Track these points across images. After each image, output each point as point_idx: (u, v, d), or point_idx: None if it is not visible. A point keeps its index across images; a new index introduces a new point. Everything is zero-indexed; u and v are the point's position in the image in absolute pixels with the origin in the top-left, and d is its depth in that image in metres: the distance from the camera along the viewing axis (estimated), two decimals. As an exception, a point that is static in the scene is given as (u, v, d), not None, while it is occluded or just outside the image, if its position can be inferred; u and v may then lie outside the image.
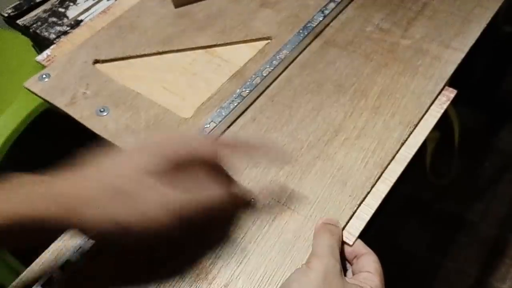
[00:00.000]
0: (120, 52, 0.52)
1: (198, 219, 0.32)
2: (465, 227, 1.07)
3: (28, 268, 0.36)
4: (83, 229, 0.31)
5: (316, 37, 0.51)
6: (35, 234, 0.30)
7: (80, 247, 0.35)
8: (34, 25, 0.59)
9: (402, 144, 0.40)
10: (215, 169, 0.34)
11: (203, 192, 0.32)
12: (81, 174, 0.31)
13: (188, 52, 0.52)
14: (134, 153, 0.32)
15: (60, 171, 0.31)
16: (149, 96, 0.47)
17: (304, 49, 0.49)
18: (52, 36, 0.57)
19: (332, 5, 0.52)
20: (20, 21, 0.60)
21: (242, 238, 0.36)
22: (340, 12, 0.53)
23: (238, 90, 0.45)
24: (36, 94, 0.49)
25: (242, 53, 0.51)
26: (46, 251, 0.37)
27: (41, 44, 0.60)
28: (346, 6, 0.53)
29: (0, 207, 0.28)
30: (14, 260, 0.90)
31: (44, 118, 0.87)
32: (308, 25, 0.50)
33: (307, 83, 0.46)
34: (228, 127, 0.44)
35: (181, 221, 0.31)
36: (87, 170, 0.32)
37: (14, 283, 0.35)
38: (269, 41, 0.51)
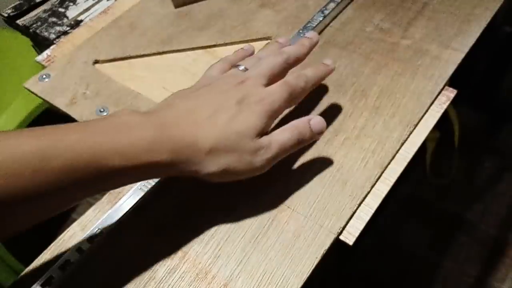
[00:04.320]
0: (120, 52, 0.52)
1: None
2: (465, 227, 1.08)
3: (28, 268, 0.36)
4: (190, 173, 0.33)
5: (316, 37, 0.51)
6: (133, 180, 0.32)
7: (80, 247, 0.35)
8: (34, 25, 0.59)
9: (402, 144, 0.40)
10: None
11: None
12: (192, 120, 0.33)
13: (188, 52, 0.52)
14: (247, 112, 0.34)
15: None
16: (149, 96, 0.47)
17: (304, 49, 0.49)
18: (52, 36, 0.57)
19: (332, 5, 0.52)
20: (20, 21, 0.60)
21: (242, 238, 0.36)
22: (340, 12, 0.53)
23: (238, 90, 0.45)
24: (36, 95, 0.49)
25: (242, 53, 0.51)
26: (46, 250, 0.37)
27: (41, 44, 0.60)
28: (346, 6, 0.53)
29: (126, 151, 0.30)
30: (14, 260, 0.90)
31: (44, 118, 0.88)
32: (308, 25, 0.50)
33: (307, 83, 0.46)
34: (228, 127, 0.44)
35: (272, 163, 0.35)
36: (198, 116, 0.34)
37: (13, 283, 0.35)
38: (269, 41, 0.51)
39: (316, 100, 0.44)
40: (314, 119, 0.36)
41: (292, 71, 0.39)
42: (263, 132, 0.34)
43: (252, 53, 0.43)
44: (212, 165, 0.33)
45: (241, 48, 0.43)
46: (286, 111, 0.42)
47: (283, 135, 0.35)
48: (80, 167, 0.28)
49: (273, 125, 0.37)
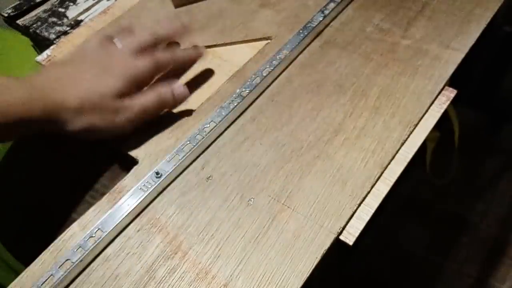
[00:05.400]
0: (120, 52, 0.52)
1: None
2: (465, 227, 1.07)
3: (28, 268, 0.36)
4: (60, 129, 0.38)
5: (316, 37, 0.51)
6: (13, 132, 0.38)
7: (80, 247, 0.35)
8: (34, 25, 0.59)
9: (402, 144, 0.40)
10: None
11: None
12: (62, 83, 0.38)
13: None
14: (110, 77, 0.39)
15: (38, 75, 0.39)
16: (149, 96, 0.47)
17: (304, 49, 0.49)
18: (52, 36, 0.57)
19: (332, 5, 0.52)
20: (20, 21, 0.60)
21: (242, 238, 0.36)
22: (340, 12, 0.53)
23: (238, 90, 0.45)
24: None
25: (242, 53, 0.51)
26: (46, 250, 0.37)
27: (41, 44, 0.60)
28: (346, 6, 0.53)
29: None
30: (14, 260, 0.90)
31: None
32: (308, 25, 0.50)
33: (307, 83, 0.46)
34: (228, 127, 0.44)
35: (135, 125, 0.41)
36: (68, 80, 0.39)
37: (13, 283, 0.35)
38: (269, 41, 0.51)
39: (316, 100, 0.44)
40: (176, 84, 0.42)
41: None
42: (125, 94, 0.39)
43: (129, 29, 0.47)
44: (77, 123, 0.38)
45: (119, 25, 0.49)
46: (283, 119, 0.42)
47: (145, 97, 0.40)
48: None
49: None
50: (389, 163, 0.39)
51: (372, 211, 0.37)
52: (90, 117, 0.38)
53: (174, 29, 0.45)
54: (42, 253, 0.37)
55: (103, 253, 0.37)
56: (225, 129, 0.44)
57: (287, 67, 0.48)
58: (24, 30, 0.60)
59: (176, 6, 0.57)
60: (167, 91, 0.41)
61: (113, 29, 0.46)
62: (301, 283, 0.33)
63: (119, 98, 0.39)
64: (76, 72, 0.40)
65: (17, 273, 0.35)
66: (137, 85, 0.41)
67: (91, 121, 0.38)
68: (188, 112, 0.45)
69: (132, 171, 0.41)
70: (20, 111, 0.36)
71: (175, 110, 0.46)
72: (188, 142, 0.41)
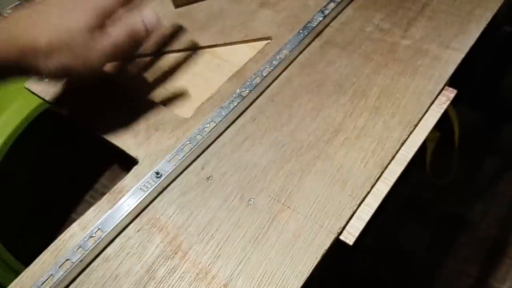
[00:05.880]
0: (120, 52, 0.52)
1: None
2: (465, 227, 1.08)
3: (28, 268, 0.36)
4: (35, 71, 0.38)
5: (316, 37, 0.51)
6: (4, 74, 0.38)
7: (80, 247, 0.35)
8: (34, 25, 0.59)
9: (402, 144, 0.40)
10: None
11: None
12: (31, 23, 0.38)
13: (188, 52, 0.52)
14: (77, 11, 0.38)
15: (12, 15, 0.39)
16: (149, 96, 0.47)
17: (304, 49, 0.49)
18: (52, 36, 0.57)
19: (332, 5, 0.52)
20: (20, 21, 0.60)
21: (242, 238, 0.36)
22: (340, 12, 0.53)
23: (238, 90, 0.45)
24: (36, 95, 0.49)
25: (242, 53, 0.51)
26: (46, 250, 0.37)
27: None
28: (346, 6, 0.53)
29: None
30: (14, 260, 0.90)
31: (44, 118, 0.88)
32: (308, 25, 0.50)
33: (307, 83, 0.46)
34: (228, 127, 0.44)
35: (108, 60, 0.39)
36: (37, 18, 0.38)
37: (13, 283, 0.35)
38: (269, 41, 0.51)
39: (316, 100, 0.44)
40: (145, 12, 0.40)
41: None
42: (94, 28, 0.38)
43: None
44: (50, 63, 0.37)
45: None
46: (283, 119, 0.42)
47: (115, 30, 0.39)
48: None
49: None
50: (389, 163, 0.39)
51: (372, 211, 0.37)
52: (62, 55, 0.37)
53: None
54: (42, 253, 0.37)
55: (103, 253, 0.37)
56: (225, 129, 0.44)
57: (287, 67, 0.48)
58: (24, 30, 0.59)
59: (176, 6, 0.57)
60: (137, 21, 0.40)
61: None
62: (301, 283, 0.33)
63: (89, 33, 0.38)
64: (45, 9, 0.39)
65: (17, 273, 0.35)
66: (106, 17, 0.40)
67: (64, 59, 0.37)
68: (188, 112, 0.45)
69: (132, 171, 0.41)
70: None
71: (175, 111, 0.46)
72: (188, 142, 0.41)
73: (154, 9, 0.40)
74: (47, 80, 0.39)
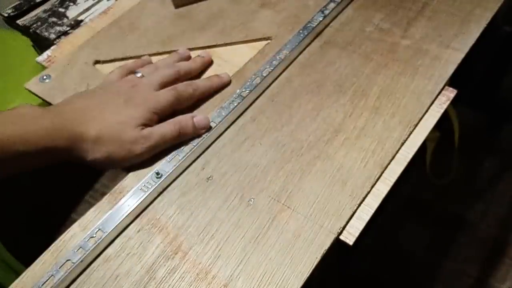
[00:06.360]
0: (120, 52, 0.52)
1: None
2: (465, 227, 1.07)
3: (28, 268, 0.36)
4: (81, 159, 0.39)
5: (316, 37, 0.51)
6: (38, 160, 0.38)
7: (80, 247, 0.35)
8: (34, 25, 0.59)
9: (402, 144, 0.40)
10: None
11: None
12: (84, 115, 0.39)
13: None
14: (131, 108, 0.40)
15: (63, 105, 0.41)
16: (149, 96, 0.47)
17: (304, 49, 0.50)
18: (52, 36, 0.57)
19: (332, 5, 0.52)
20: (20, 21, 0.60)
21: (242, 238, 0.36)
22: (340, 12, 0.53)
23: (238, 90, 0.45)
24: (36, 95, 0.49)
25: (242, 53, 0.51)
26: (46, 251, 0.37)
27: (41, 44, 0.60)
28: (346, 6, 0.53)
29: (8, 134, 0.36)
30: (14, 260, 0.90)
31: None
32: (308, 25, 0.50)
33: (307, 83, 0.46)
34: (228, 127, 0.44)
35: (152, 153, 0.41)
36: (90, 112, 0.40)
37: (14, 283, 0.35)
38: (269, 41, 0.51)
39: (316, 100, 0.44)
40: (198, 117, 0.42)
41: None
42: (145, 125, 0.40)
43: (150, 62, 0.49)
44: (97, 152, 0.39)
45: (141, 58, 0.50)
46: (283, 119, 0.42)
47: (165, 127, 0.40)
48: None
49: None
50: (389, 163, 0.39)
51: (372, 211, 0.37)
52: (109, 146, 0.39)
53: (196, 64, 0.48)
54: (43, 254, 0.37)
55: (104, 254, 0.37)
56: (225, 129, 0.44)
57: (287, 67, 0.48)
58: (24, 30, 0.60)
59: (176, 6, 0.57)
60: (187, 121, 0.41)
61: (136, 64, 0.47)
62: (301, 283, 0.33)
63: (139, 128, 0.40)
64: (98, 103, 0.40)
65: (17, 274, 0.35)
66: (158, 116, 0.41)
67: (109, 150, 0.39)
68: (188, 112, 0.45)
69: (132, 171, 0.41)
70: (44, 140, 0.37)
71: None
72: (188, 143, 0.41)
73: (207, 117, 0.42)
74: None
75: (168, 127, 0.40)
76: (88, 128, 0.38)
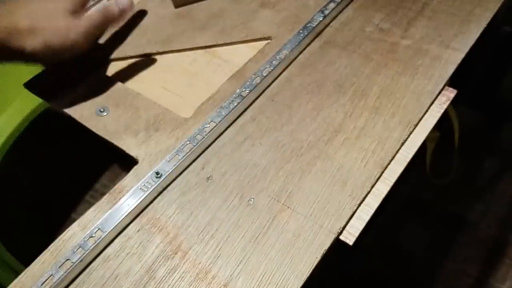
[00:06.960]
0: (120, 52, 0.52)
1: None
2: (465, 227, 1.07)
3: (28, 268, 0.36)
4: (21, 51, 0.40)
5: (316, 37, 0.51)
6: None
7: (80, 247, 0.35)
8: (34, 25, 0.59)
9: (402, 144, 0.40)
10: None
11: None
12: (16, 8, 0.41)
13: (188, 52, 0.52)
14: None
15: None
16: (149, 96, 0.47)
17: (304, 49, 0.49)
18: (52, 36, 0.57)
19: (332, 5, 0.52)
20: (20, 21, 0.60)
21: (242, 238, 0.36)
22: (340, 12, 0.53)
23: (238, 90, 0.45)
24: (36, 95, 0.49)
25: (242, 53, 0.51)
26: (46, 250, 0.37)
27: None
28: (346, 6, 0.53)
29: None
30: (14, 260, 0.90)
31: (44, 118, 0.88)
32: (308, 25, 0.50)
33: (307, 83, 0.46)
34: (228, 127, 0.44)
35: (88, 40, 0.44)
36: (20, 5, 0.42)
37: (13, 283, 0.35)
38: (269, 41, 0.51)
39: (316, 100, 0.44)
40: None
41: None
42: (73, 12, 0.43)
43: None
44: (33, 40, 0.40)
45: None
46: (283, 119, 0.42)
47: (91, 12, 0.44)
48: None
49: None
50: (389, 163, 0.39)
51: (372, 211, 0.37)
52: (44, 35, 0.41)
53: None
54: (42, 253, 0.37)
55: (103, 253, 0.37)
56: (225, 129, 0.44)
57: (287, 67, 0.48)
58: (24, 30, 0.59)
59: (176, 6, 0.57)
60: (111, 3, 0.45)
61: None
62: (301, 283, 0.33)
63: (67, 16, 0.42)
64: None
65: (17, 273, 0.35)
66: (83, 3, 0.45)
67: (45, 38, 0.41)
68: (188, 112, 0.45)
69: (132, 171, 0.41)
70: None
71: (175, 110, 0.46)
72: (188, 142, 0.41)
73: None
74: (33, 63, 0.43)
75: (94, 12, 0.44)
76: (19, 18, 0.40)
